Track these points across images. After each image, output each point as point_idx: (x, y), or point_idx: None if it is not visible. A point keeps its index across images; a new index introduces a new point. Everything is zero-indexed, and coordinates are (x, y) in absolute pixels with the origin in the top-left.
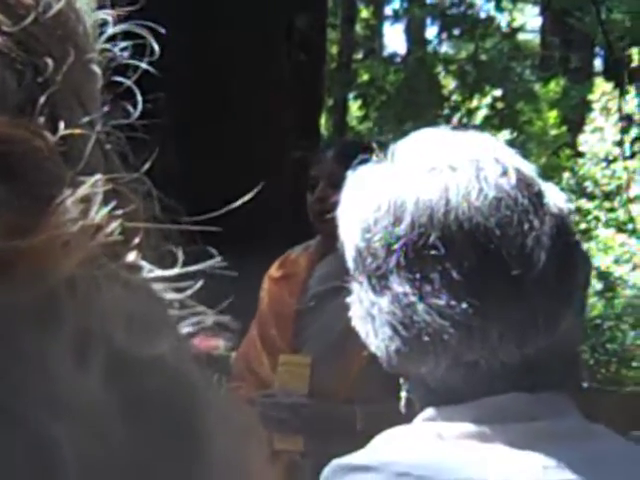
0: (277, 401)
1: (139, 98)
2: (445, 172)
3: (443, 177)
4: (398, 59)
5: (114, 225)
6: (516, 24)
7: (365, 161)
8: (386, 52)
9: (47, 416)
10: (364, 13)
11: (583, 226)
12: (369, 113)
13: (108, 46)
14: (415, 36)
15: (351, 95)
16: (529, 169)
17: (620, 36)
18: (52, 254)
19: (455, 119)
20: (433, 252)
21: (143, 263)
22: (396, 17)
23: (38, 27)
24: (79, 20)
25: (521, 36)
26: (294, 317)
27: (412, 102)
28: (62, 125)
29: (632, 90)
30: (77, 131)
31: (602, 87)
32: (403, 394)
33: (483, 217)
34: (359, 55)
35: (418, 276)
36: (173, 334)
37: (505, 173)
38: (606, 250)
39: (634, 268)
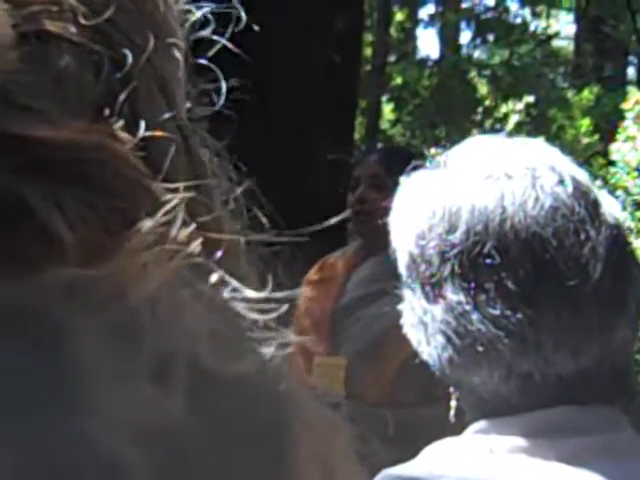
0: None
1: (223, 83)
2: (501, 180)
3: (499, 185)
4: (431, 63)
5: (196, 244)
6: (550, 31)
7: (418, 167)
8: (419, 55)
9: (124, 441)
10: (399, 16)
11: None
12: (401, 117)
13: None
14: (449, 40)
15: (384, 98)
16: (585, 177)
17: None
18: (132, 275)
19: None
20: (488, 261)
21: (228, 281)
22: (431, 21)
23: (116, 12)
24: None
25: (555, 43)
26: (331, 320)
27: (445, 106)
28: (143, 124)
29: None
30: (158, 133)
31: (635, 96)
32: (453, 403)
33: (539, 226)
34: (393, 58)
35: (473, 285)
36: (258, 352)
37: (561, 182)
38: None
39: None
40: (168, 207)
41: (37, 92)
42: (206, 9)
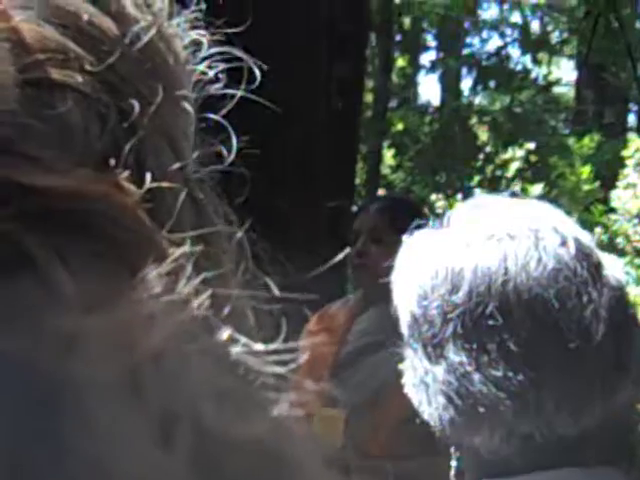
0: None
1: (233, 137)
2: (504, 240)
3: (502, 246)
4: (431, 109)
5: (204, 296)
6: (552, 77)
7: (420, 226)
8: (420, 101)
9: None
10: (400, 62)
11: None
12: (402, 163)
13: (203, 73)
14: (450, 86)
15: (385, 144)
16: (587, 239)
17: None
18: (136, 327)
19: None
20: (490, 322)
21: (237, 336)
22: (432, 68)
23: (124, 63)
24: (170, 50)
25: (556, 89)
26: (331, 372)
27: (446, 152)
28: (149, 177)
29: None
30: (165, 184)
31: (636, 143)
32: (453, 463)
33: (542, 288)
34: (394, 104)
35: (475, 346)
36: (270, 413)
37: (564, 243)
38: (635, 307)
39: None
40: (174, 258)
41: (40, 138)
42: (219, 68)
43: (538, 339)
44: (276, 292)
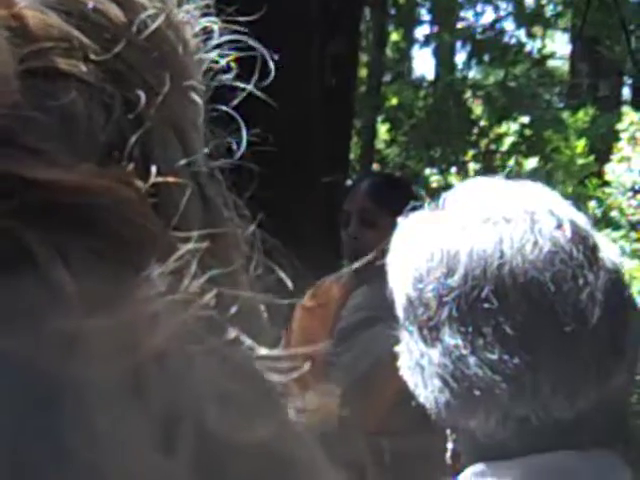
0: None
1: (244, 130)
2: (500, 223)
3: (497, 229)
4: (426, 83)
5: (210, 295)
6: (546, 51)
7: (416, 207)
8: (415, 75)
9: None
10: (394, 36)
11: None
12: (396, 137)
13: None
14: (444, 60)
15: (379, 118)
16: (584, 222)
17: None
18: (139, 327)
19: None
20: (486, 305)
21: (243, 338)
22: (426, 42)
23: (130, 51)
24: (179, 38)
25: (550, 63)
26: (325, 347)
27: (440, 127)
28: (154, 170)
29: None
30: (171, 179)
31: (630, 116)
32: (449, 445)
33: (537, 271)
34: (388, 78)
35: (470, 329)
36: (274, 417)
37: (560, 226)
38: (630, 281)
39: None
40: (179, 255)
41: (42, 130)
42: (229, 57)
43: (534, 322)
44: (289, 285)
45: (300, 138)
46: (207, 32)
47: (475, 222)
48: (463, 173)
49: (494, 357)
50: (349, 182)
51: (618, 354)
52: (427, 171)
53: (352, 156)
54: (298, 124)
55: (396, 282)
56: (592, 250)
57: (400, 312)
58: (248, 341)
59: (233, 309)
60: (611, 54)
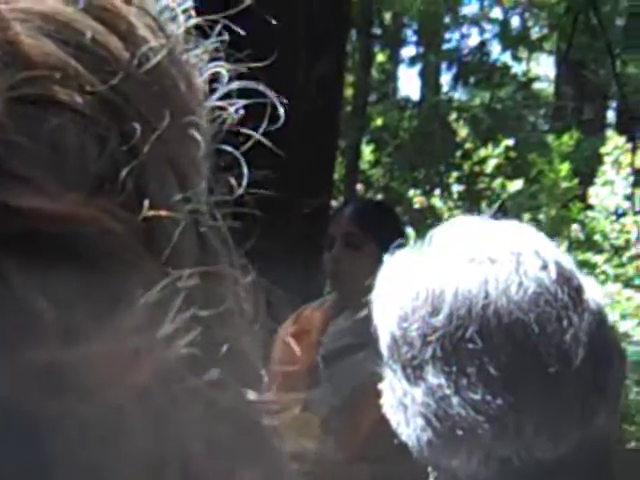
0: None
1: (245, 169)
2: (485, 264)
3: (483, 269)
4: (410, 104)
5: (196, 332)
6: (531, 74)
7: (402, 245)
8: (400, 95)
9: None
10: (380, 57)
11: None
12: (381, 158)
13: (220, 106)
14: (429, 81)
15: (364, 139)
16: (569, 262)
17: (634, 89)
18: (120, 362)
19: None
20: (470, 345)
21: (230, 381)
22: (412, 62)
23: (129, 84)
24: (182, 75)
25: (535, 85)
26: (307, 374)
27: (424, 148)
28: (147, 203)
29: None
30: (163, 213)
31: (614, 140)
32: None
33: (522, 312)
34: (373, 98)
35: (454, 369)
36: (261, 462)
37: (545, 267)
38: (613, 305)
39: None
40: (163, 286)
41: (30, 158)
42: (238, 105)
43: (518, 363)
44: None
45: (284, 159)
46: (215, 78)
47: (461, 262)
48: (447, 195)
49: (477, 397)
50: (333, 203)
51: (602, 394)
52: (411, 192)
53: (336, 176)
54: (282, 145)
55: (381, 320)
56: (577, 291)
57: (384, 350)
58: (235, 384)
59: (223, 350)
60: (596, 78)
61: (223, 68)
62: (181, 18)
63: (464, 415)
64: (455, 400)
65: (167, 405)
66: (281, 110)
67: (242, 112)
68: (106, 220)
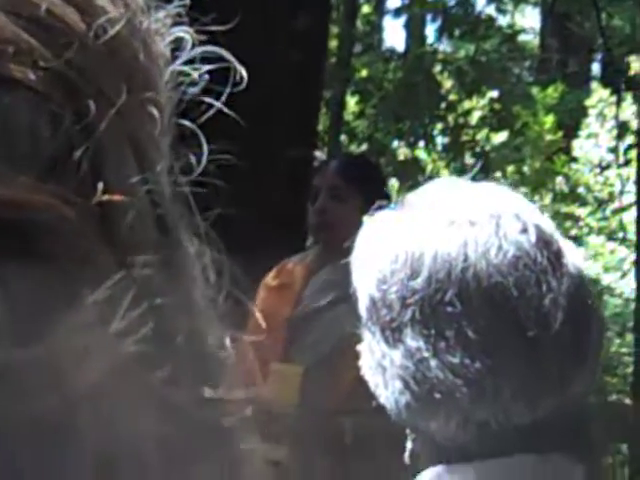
0: (267, 410)
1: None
2: (464, 227)
3: (462, 232)
4: (395, 56)
5: (150, 326)
6: (517, 26)
7: (382, 207)
8: (385, 47)
9: None
10: (365, 9)
11: (574, 232)
12: (365, 110)
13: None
14: (415, 32)
15: (348, 90)
16: (549, 226)
17: (620, 42)
18: (70, 360)
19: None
20: (449, 309)
21: (186, 377)
22: (397, 13)
23: (86, 58)
24: (142, 45)
25: (520, 37)
26: (288, 327)
27: (409, 100)
28: (101, 187)
29: (629, 97)
30: (118, 197)
31: (599, 93)
32: (408, 445)
33: (501, 275)
34: (358, 49)
35: (433, 332)
36: (215, 463)
37: (525, 230)
38: (596, 257)
39: (623, 276)
40: (117, 280)
41: None
42: (202, 70)
43: (496, 327)
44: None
45: (267, 111)
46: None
47: (440, 224)
48: (431, 146)
49: (456, 361)
50: (317, 154)
51: (580, 360)
52: (395, 144)
53: (320, 127)
54: (265, 97)
55: (360, 282)
56: (556, 255)
57: (363, 312)
58: (190, 380)
59: (180, 343)
60: (581, 30)
61: (186, 33)
62: None
63: (442, 378)
64: (433, 363)
65: (119, 403)
66: (244, 75)
67: (207, 77)
68: (58, 206)
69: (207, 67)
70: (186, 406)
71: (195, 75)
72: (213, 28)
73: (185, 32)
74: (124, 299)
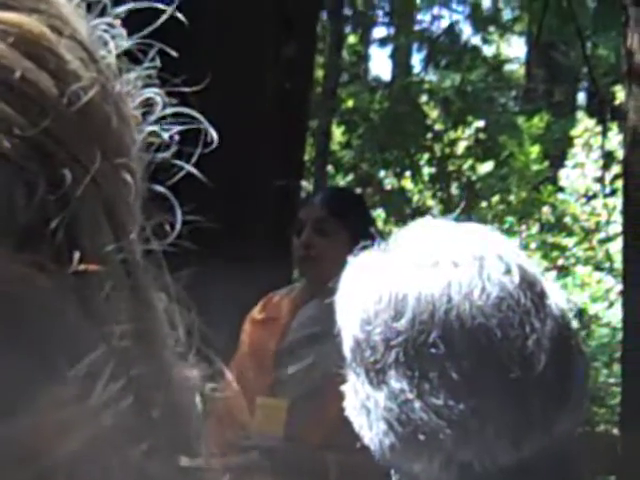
0: (253, 444)
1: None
2: (448, 268)
3: (446, 273)
4: (381, 86)
5: (128, 401)
6: (502, 57)
7: (367, 246)
8: (371, 76)
9: None
10: (351, 39)
11: (561, 262)
12: (352, 140)
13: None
14: (401, 62)
15: (335, 121)
16: (532, 266)
17: (604, 72)
18: (48, 433)
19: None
20: (433, 350)
21: (163, 446)
22: (383, 43)
23: (60, 125)
24: (114, 109)
25: (506, 66)
26: (274, 361)
27: (395, 130)
28: (77, 256)
29: (615, 127)
30: (93, 267)
31: (584, 122)
32: None
33: (485, 317)
34: (344, 79)
35: (416, 374)
36: None
37: (509, 271)
38: (583, 287)
39: (610, 306)
40: (95, 355)
41: None
42: (173, 130)
43: (480, 368)
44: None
45: (253, 141)
46: (149, 104)
47: (424, 266)
48: (417, 177)
49: (439, 402)
50: (303, 184)
51: (564, 400)
52: (381, 174)
53: (306, 157)
54: (250, 126)
55: (344, 323)
56: (539, 296)
57: (347, 353)
58: (168, 451)
59: (157, 414)
60: (567, 60)
61: (157, 94)
62: (112, 44)
63: (426, 420)
64: (417, 405)
65: (97, 476)
66: (213, 135)
67: (177, 138)
68: (34, 276)
69: (177, 128)
70: (164, 477)
71: (165, 136)
72: (186, 89)
73: (155, 93)
74: (104, 372)
